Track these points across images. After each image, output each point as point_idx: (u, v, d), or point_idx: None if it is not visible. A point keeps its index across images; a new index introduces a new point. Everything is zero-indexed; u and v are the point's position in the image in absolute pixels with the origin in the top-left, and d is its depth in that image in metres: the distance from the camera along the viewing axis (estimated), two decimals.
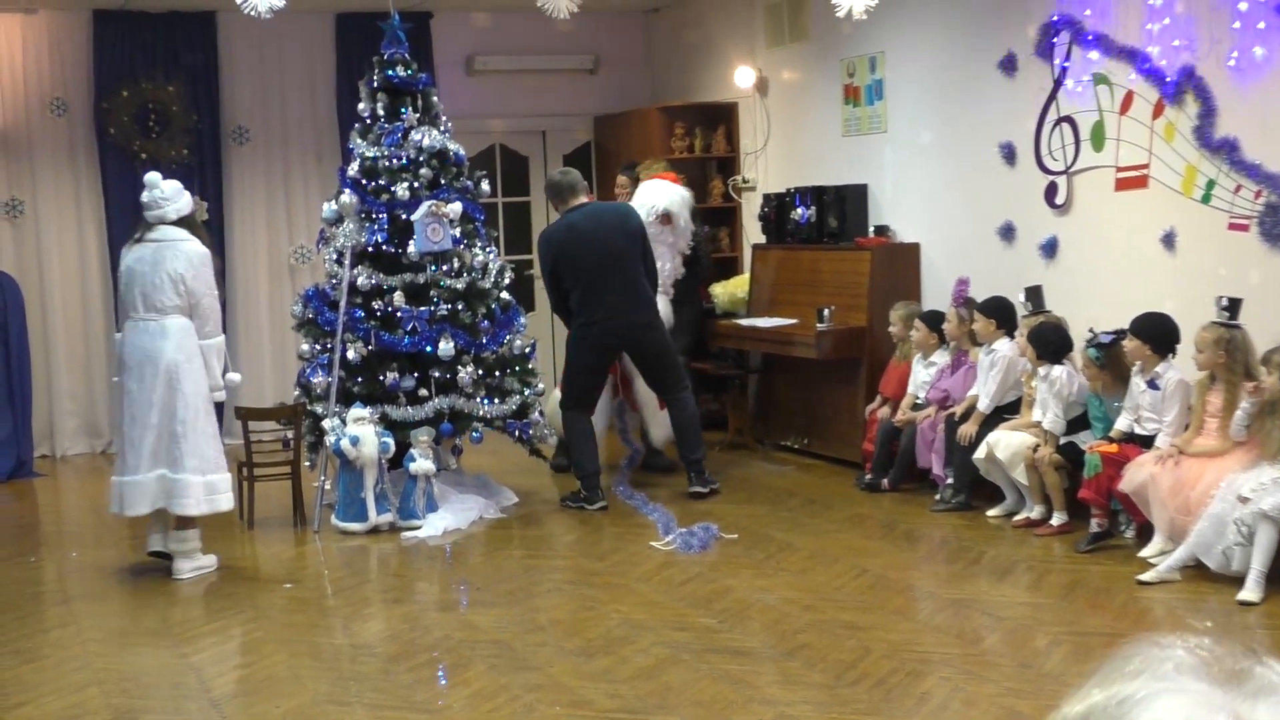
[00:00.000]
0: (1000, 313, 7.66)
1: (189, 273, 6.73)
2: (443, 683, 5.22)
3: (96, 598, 6.55)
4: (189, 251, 6.78)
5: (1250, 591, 5.66)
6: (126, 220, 10.06)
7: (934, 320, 8.02)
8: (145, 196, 6.85)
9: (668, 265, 8.71)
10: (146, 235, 6.84)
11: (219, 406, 7.24)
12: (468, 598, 6.42)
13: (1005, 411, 7.59)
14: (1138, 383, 6.64)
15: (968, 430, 7.51)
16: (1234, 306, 6.26)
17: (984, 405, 7.57)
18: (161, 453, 6.71)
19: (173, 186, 6.91)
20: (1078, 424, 7.08)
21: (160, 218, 6.82)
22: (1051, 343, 7.11)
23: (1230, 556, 5.83)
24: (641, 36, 11.93)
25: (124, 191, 10.26)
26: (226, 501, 6.90)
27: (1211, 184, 6.76)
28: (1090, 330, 6.93)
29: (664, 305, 8.54)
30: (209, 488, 6.76)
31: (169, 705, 5.05)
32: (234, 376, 7.16)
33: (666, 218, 8.63)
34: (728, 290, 10.03)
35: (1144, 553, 6.31)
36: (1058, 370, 7.03)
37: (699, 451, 8.12)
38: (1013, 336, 7.52)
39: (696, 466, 8.09)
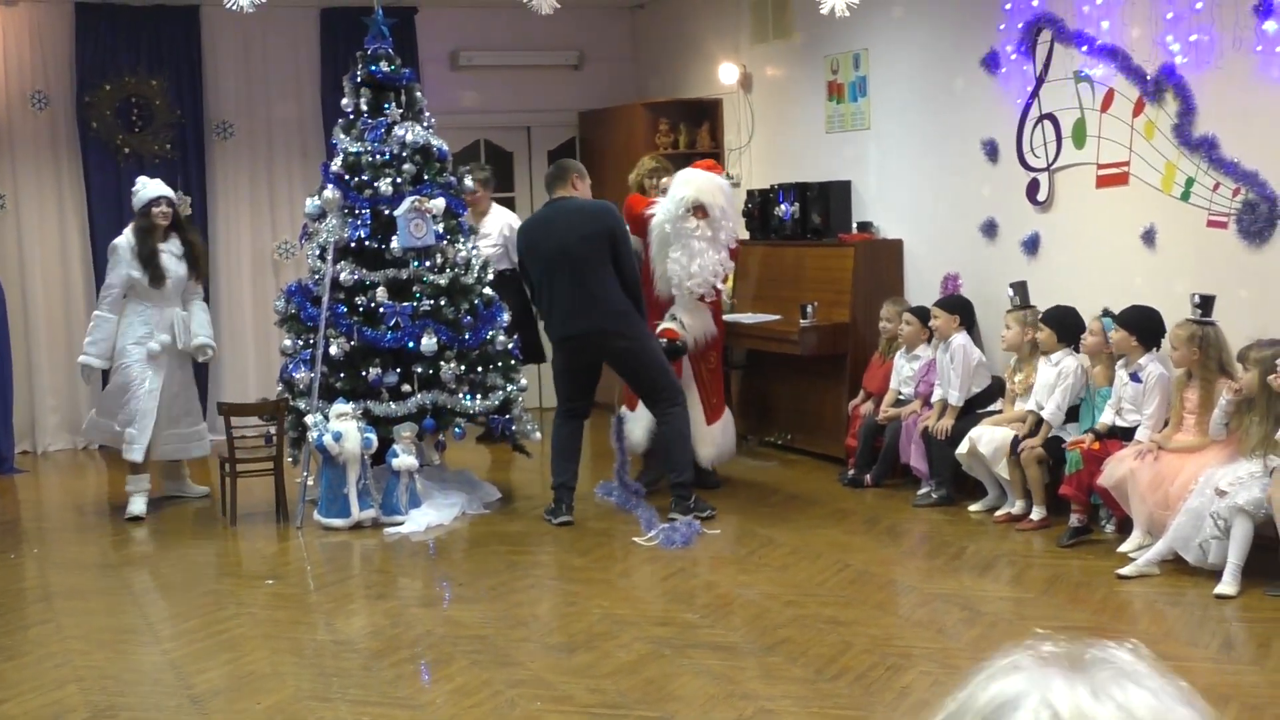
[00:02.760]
0: (961, 308, 7.73)
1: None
2: (425, 679, 5.23)
3: (77, 594, 6.53)
4: (111, 244, 8.11)
5: (1227, 585, 5.70)
6: (109, 214, 10.08)
7: (925, 314, 8.04)
8: None
9: (700, 263, 7.69)
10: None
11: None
12: (450, 593, 6.42)
13: (976, 405, 7.63)
14: (1121, 375, 6.68)
15: (944, 425, 7.55)
16: (1206, 303, 6.30)
17: (955, 400, 7.62)
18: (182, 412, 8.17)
19: (135, 186, 8.24)
20: (1069, 414, 7.10)
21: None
22: (1068, 320, 7.11)
23: (1207, 550, 5.87)
24: (626, 32, 11.93)
25: (106, 186, 10.26)
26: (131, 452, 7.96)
27: (1191, 181, 6.79)
28: (1105, 310, 6.94)
29: (691, 311, 7.85)
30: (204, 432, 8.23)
31: (149, 702, 5.04)
32: (83, 360, 8.18)
33: (700, 209, 7.72)
34: None
35: (1123, 547, 6.34)
36: (1071, 361, 7.04)
37: (681, 475, 7.43)
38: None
39: (676, 491, 7.43)
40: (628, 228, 7.57)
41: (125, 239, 8.01)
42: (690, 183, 7.78)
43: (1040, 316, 7.22)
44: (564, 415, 7.63)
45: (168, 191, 8.16)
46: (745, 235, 9.89)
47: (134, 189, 8.19)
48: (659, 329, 7.76)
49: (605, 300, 7.26)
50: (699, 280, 7.70)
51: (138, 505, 7.95)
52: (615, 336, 7.33)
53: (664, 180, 8.31)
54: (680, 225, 7.69)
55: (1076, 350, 7.09)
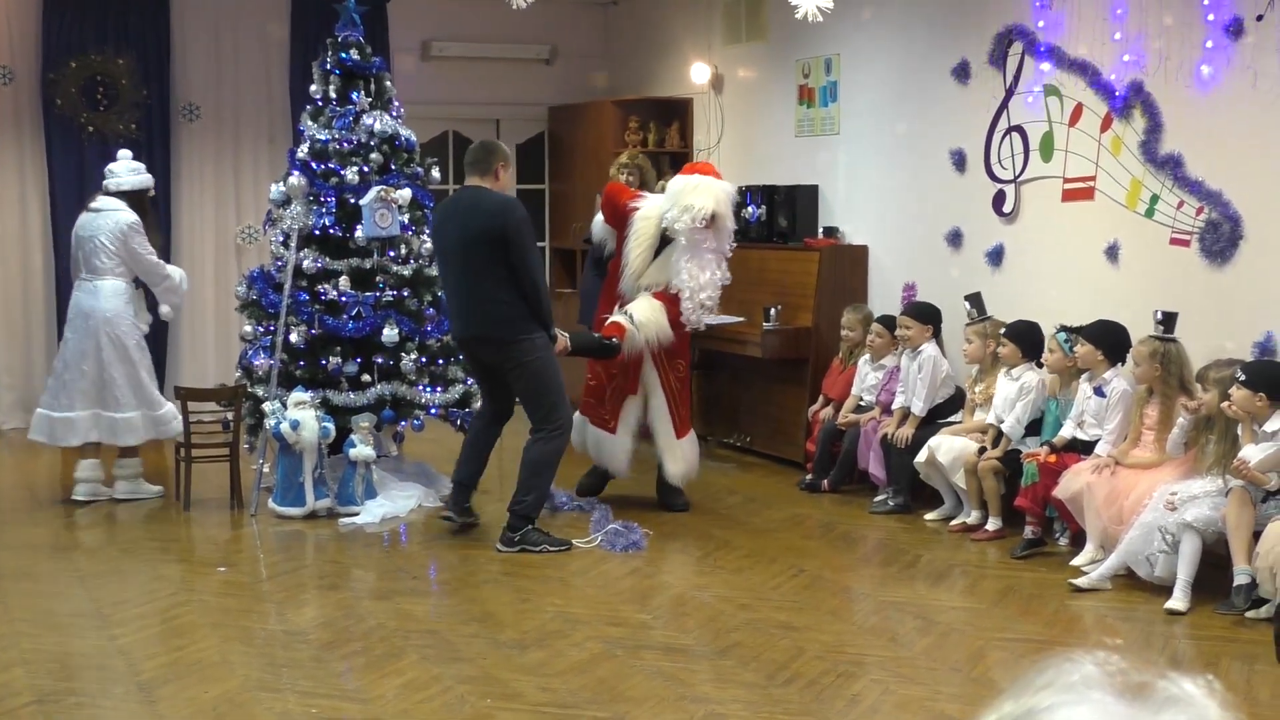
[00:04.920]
0: (931, 317, 7.75)
1: (115, 238, 7.73)
2: (375, 672, 5.19)
3: (25, 576, 6.46)
4: (117, 220, 7.75)
5: (1177, 600, 5.74)
6: (70, 192, 9.98)
7: (893, 325, 8.04)
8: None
9: (710, 275, 7.34)
10: (91, 204, 7.93)
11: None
12: (403, 586, 6.39)
13: (937, 415, 7.66)
14: (1085, 389, 6.71)
15: (904, 433, 7.57)
16: (1169, 320, 6.34)
17: (919, 409, 7.63)
18: (94, 395, 7.76)
19: (124, 165, 7.94)
20: (1029, 428, 7.13)
21: (106, 189, 7.88)
22: (1029, 337, 7.14)
23: (1154, 563, 5.92)
24: (599, 28, 11.91)
25: (69, 164, 10.15)
26: (171, 428, 7.88)
27: (1155, 198, 6.83)
28: (1061, 326, 6.96)
29: (645, 309, 7.34)
30: (150, 421, 7.83)
31: (96, 688, 4.99)
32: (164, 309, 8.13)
33: (712, 220, 7.30)
34: None
35: (1076, 560, 6.38)
36: (1032, 376, 7.07)
37: (519, 501, 6.84)
38: (1038, 361, 7.30)
39: (510, 519, 6.85)
40: (525, 230, 6.84)
41: (134, 215, 7.83)
42: (708, 193, 7.29)
43: (1004, 331, 7.24)
44: (480, 413, 7.35)
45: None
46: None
47: (130, 166, 8.00)
48: (607, 322, 7.45)
49: (489, 304, 6.72)
50: (709, 294, 7.37)
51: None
52: (497, 344, 6.81)
53: (628, 180, 8.24)
54: (695, 236, 7.29)
55: (1039, 365, 7.12)
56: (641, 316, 7.37)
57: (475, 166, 6.96)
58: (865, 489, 8.03)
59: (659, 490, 7.75)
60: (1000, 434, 7.09)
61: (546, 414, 6.87)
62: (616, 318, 7.41)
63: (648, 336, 7.41)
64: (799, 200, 9.16)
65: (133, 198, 7.87)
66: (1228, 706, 1.03)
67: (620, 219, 7.60)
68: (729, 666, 5.18)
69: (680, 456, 7.63)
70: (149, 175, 8.13)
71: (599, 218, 7.98)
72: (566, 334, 7.23)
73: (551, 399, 6.86)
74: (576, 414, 7.60)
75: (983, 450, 7.09)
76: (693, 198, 7.27)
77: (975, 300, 7.47)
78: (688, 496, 7.79)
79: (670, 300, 7.44)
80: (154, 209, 8.16)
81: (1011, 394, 7.10)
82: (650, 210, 7.48)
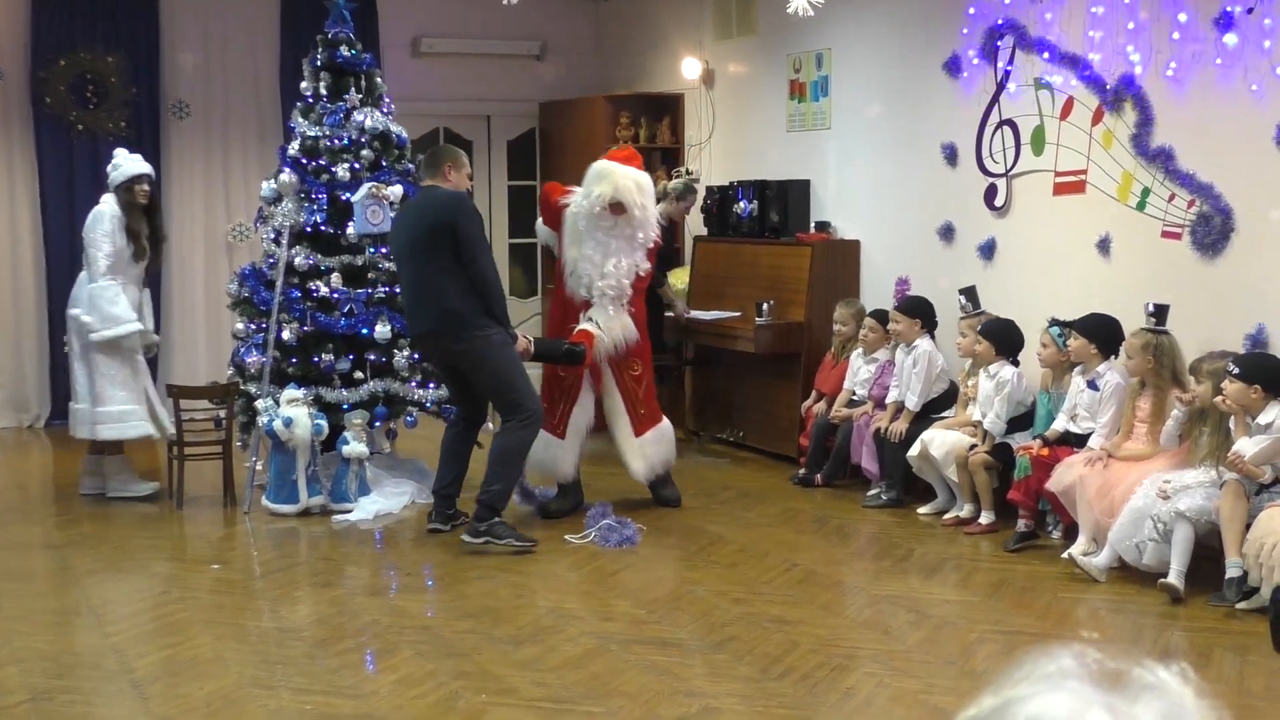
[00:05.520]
0: (922, 312, 7.76)
1: (85, 229, 7.73)
2: (369, 668, 5.20)
3: (18, 575, 6.45)
4: (93, 212, 7.74)
5: (1174, 578, 5.75)
6: (61, 191, 9.97)
7: (886, 319, 8.04)
8: None
9: (623, 262, 7.21)
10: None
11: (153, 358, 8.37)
12: (397, 583, 6.38)
13: (931, 410, 7.67)
14: (1078, 382, 6.72)
15: (898, 428, 7.58)
16: (1160, 312, 6.35)
17: (913, 404, 7.64)
18: (72, 385, 7.92)
19: (115, 159, 7.84)
20: (1015, 425, 7.15)
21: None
22: (1006, 337, 7.16)
23: (1143, 550, 5.93)
24: (589, 24, 11.90)
25: (59, 162, 10.13)
26: (110, 431, 7.69)
27: (1147, 192, 6.84)
28: (1052, 320, 6.97)
29: (609, 314, 7.26)
30: (89, 418, 7.69)
31: (89, 686, 4.98)
32: (123, 330, 7.62)
33: (618, 206, 7.17)
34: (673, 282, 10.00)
35: (1069, 552, 6.38)
36: (1008, 371, 7.09)
37: (486, 490, 6.74)
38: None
39: (478, 503, 6.78)
40: (474, 223, 6.76)
41: (110, 208, 7.65)
42: (606, 178, 7.15)
43: (979, 329, 7.27)
44: (453, 420, 7.30)
45: (149, 169, 7.91)
46: (703, 231, 9.91)
47: (114, 162, 7.79)
48: (574, 331, 7.30)
49: (438, 300, 6.66)
50: (611, 282, 7.19)
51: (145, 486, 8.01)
52: (448, 339, 6.75)
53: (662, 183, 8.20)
54: (595, 222, 7.17)
55: (1014, 363, 7.13)
56: (605, 322, 7.26)
57: (426, 169, 6.99)
58: (858, 483, 8.04)
59: (650, 487, 7.69)
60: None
61: (514, 406, 6.79)
62: (584, 325, 7.28)
63: (614, 340, 7.30)
64: (791, 195, 9.16)
65: (121, 191, 7.70)
66: (1202, 694, 1.04)
67: (554, 217, 7.44)
68: (723, 661, 5.19)
69: (640, 454, 7.49)
70: (126, 168, 7.72)
71: (539, 221, 7.77)
72: (530, 338, 7.11)
73: (516, 392, 6.78)
74: None
75: (974, 446, 7.10)
76: (595, 184, 7.16)
77: (970, 294, 7.48)
78: (678, 490, 7.71)
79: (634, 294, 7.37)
80: (138, 207, 7.72)
81: (989, 390, 7.13)
82: (574, 207, 7.31)
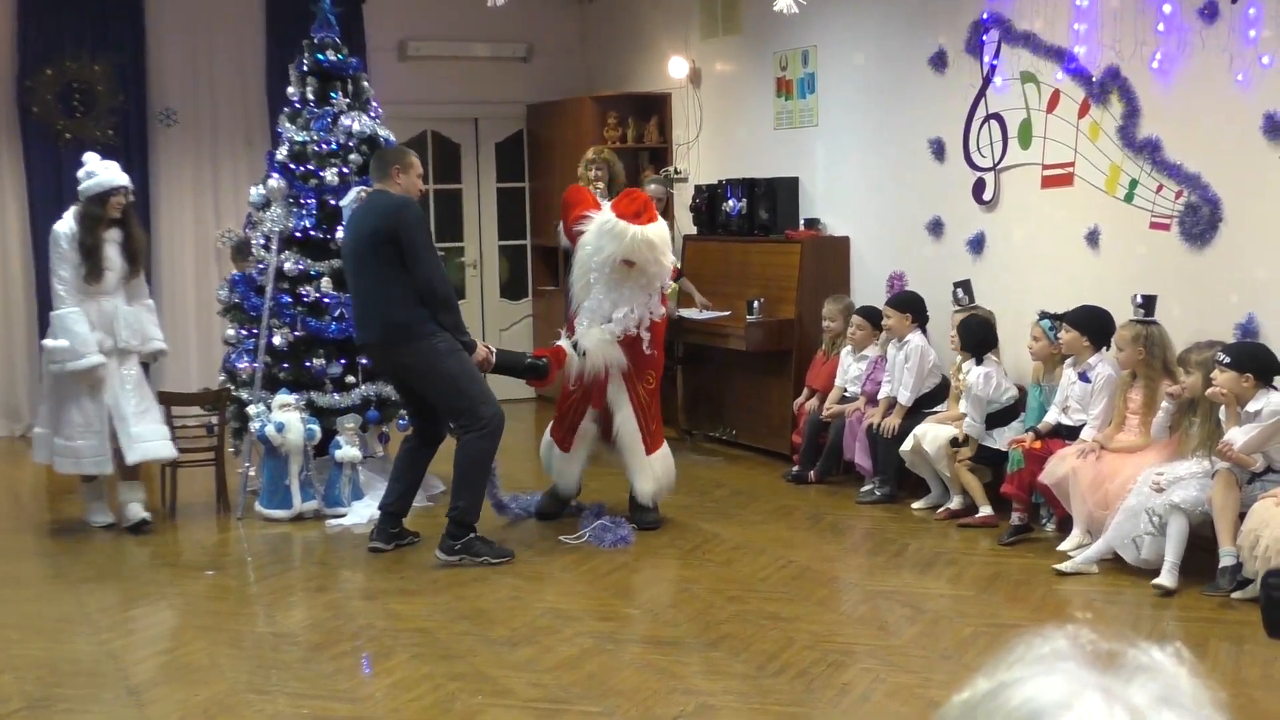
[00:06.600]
0: (913, 307, 7.77)
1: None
2: (365, 672, 5.19)
3: (13, 583, 6.44)
4: (51, 231, 7.26)
5: (1165, 578, 5.77)
6: (48, 199, 9.95)
7: (873, 315, 8.05)
8: None
9: (634, 312, 7.01)
10: None
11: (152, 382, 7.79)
12: (391, 586, 6.38)
13: (923, 404, 7.68)
14: (1069, 374, 6.74)
15: (891, 423, 7.59)
16: (1148, 303, 6.37)
17: (905, 399, 7.65)
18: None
19: (87, 166, 7.28)
20: (1002, 418, 7.16)
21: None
22: (976, 335, 7.18)
23: (1140, 545, 5.94)
24: (575, 25, 11.90)
25: (46, 171, 10.11)
26: (66, 465, 7.24)
27: (1134, 183, 6.86)
28: (1042, 313, 6.98)
29: (599, 340, 7.02)
30: (47, 443, 7.31)
31: (85, 693, 4.97)
32: (82, 364, 7.04)
33: (630, 263, 6.95)
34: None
35: (1062, 546, 6.40)
36: (975, 373, 7.09)
37: (454, 507, 6.55)
38: (921, 331, 7.57)
39: (449, 521, 6.56)
40: (418, 229, 6.50)
41: (67, 226, 7.12)
42: (619, 238, 6.87)
43: (955, 327, 7.30)
44: (408, 436, 7.01)
45: (126, 180, 7.32)
46: (692, 230, 9.91)
47: (85, 170, 7.23)
48: (554, 344, 7.20)
49: (382, 308, 6.45)
50: (615, 328, 7.00)
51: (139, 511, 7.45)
52: (394, 350, 6.54)
53: (596, 176, 8.18)
54: (609, 274, 6.97)
55: (979, 362, 7.13)
56: (592, 347, 7.04)
57: (374, 174, 6.79)
58: (852, 479, 8.05)
59: (630, 507, 7.33)
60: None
61: (469, 415, 6.48)
62: (561, 343, 7.16)
63: (595, 365, 7.06)
64: (779, 193, 9.17)
65: (93, 203, 7.16)
66: (1196, 673, 1.04)
67: (569, 235, 7.31)
68: (719, 658, 5.19)
69: (651, 475, 7.23)
70: (102, 178, 7.19)
71: (560, 225, 7.65)
72: (491, 347, 6.91)
73: (468, 400, 6.49)
74: (546, 435, 7.47)
75: (954, 439, 7.12)
76: (603, 240, 6.93)
77: (965, 287, 7.50)
78: (659, 514, 7.34)
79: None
80: (105, 221, 7.19)
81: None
82: (590, 236, 7.08)
